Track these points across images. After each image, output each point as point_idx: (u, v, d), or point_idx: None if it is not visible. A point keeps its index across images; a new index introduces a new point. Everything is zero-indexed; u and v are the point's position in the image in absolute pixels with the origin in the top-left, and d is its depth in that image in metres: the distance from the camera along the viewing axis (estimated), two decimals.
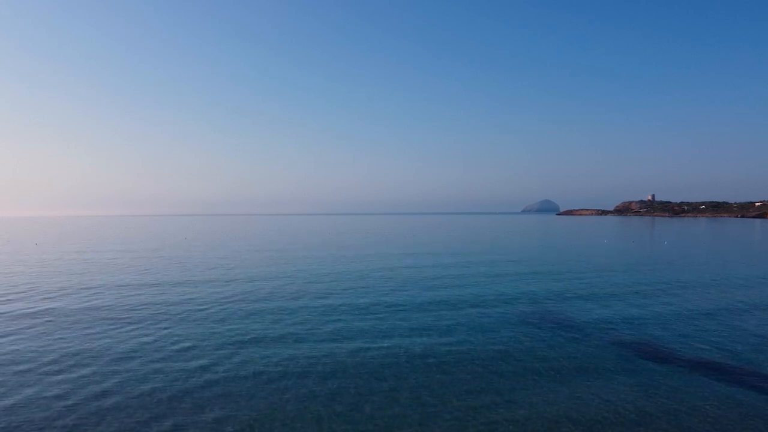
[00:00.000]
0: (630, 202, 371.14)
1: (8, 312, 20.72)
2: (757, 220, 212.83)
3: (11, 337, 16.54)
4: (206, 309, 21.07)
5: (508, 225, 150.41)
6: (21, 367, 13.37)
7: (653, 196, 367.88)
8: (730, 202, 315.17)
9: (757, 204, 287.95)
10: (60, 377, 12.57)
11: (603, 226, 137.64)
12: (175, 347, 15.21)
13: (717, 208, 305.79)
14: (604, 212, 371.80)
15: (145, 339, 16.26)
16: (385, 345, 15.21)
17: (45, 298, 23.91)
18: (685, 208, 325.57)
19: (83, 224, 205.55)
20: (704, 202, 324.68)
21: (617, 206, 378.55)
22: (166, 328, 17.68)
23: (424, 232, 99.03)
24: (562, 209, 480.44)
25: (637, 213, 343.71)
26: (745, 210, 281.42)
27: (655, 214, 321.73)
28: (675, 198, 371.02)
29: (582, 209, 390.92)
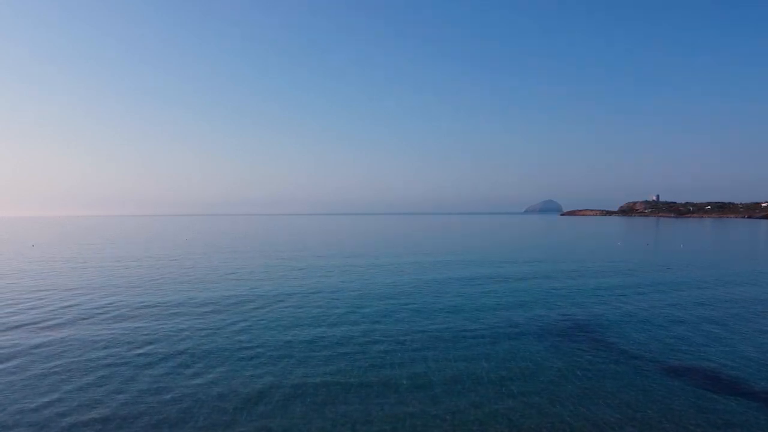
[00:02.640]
0: (634, 203, 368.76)
1: None
2: (764, 221, 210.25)
3: None
4: (230, 337, 17.27)
5: (514, 227, 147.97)
6: None
7: (658, 196, 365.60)
8: (735, 202, 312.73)
9: (763, 204, 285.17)
10: None
11: (610, 228, 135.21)
12: (205, 407, 11.37)
13: (723, 209, 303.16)
14: (608, 213, 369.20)
15: (158, 393, 12.95)
16: (476, 406, 12.37)
17: (27, 324, 20.40)
18: (690, 208, 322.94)
19: (83, 225, 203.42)
20: (709, 203, 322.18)
21: (621, 206, 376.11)
22: (188, 372, 13.84)
23: (435, 235, 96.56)
24: (565, 209, 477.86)
25: (641, 213, 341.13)
26: (751, 211, 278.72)
27: (660, 214, 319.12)
28: (679, 198, 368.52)
29: (586, 209, 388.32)
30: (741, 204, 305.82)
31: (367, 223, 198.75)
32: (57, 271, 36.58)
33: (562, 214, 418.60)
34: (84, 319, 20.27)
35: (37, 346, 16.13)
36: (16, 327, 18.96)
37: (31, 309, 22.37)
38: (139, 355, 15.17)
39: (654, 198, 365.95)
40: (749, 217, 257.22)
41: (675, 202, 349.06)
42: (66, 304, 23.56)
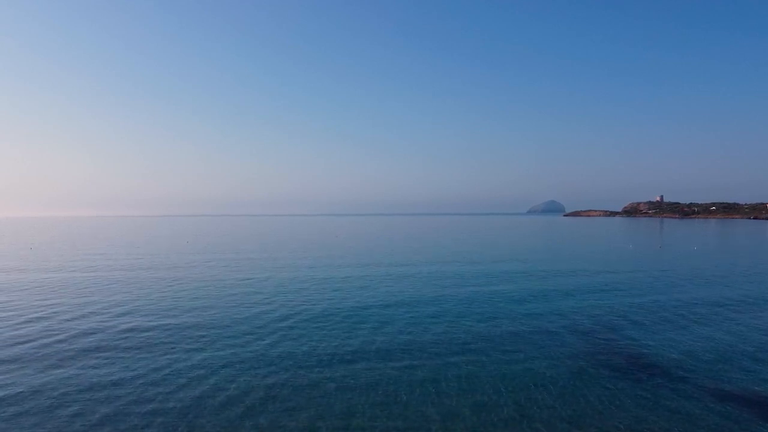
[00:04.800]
0: (638, 203, 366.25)
1: None
2: None
3: None
4: (261, 376, 14.34)
5: (520, 229, 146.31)
6: None
7: (662, 197, 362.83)
8: (740, 203, 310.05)
9: None
10: None
11: (617, 229, 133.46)
12: None
13: (728, 210, 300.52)
14: (612, 213, 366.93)
15: None
16: None
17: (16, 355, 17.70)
18: (695, 209, 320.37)
19: (84, 225, 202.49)
20: (714, 203, 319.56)
21: (625, 207, 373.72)
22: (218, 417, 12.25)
23: (444, 238, 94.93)
24: (567, 210, 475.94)
25: (645, 214, 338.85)
26: (757, 211, 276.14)
27: (664, 215, 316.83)
28: (683, 199, 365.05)
29: (590, 210, 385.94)
30: (746, 205, 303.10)
31: (373, 224, 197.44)
32: (51, 281, 35.07)
33: (565, 215, 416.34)
34: (86, 347, 17.17)
35: (32, 391, 14.07)
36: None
37: (21, 335, 19.86)
38: (159, 397, 12.73)
39: (658, 198, 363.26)
40: (755, 218, 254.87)
41: (679, 203, 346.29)
42: (59, 327, 20.54)
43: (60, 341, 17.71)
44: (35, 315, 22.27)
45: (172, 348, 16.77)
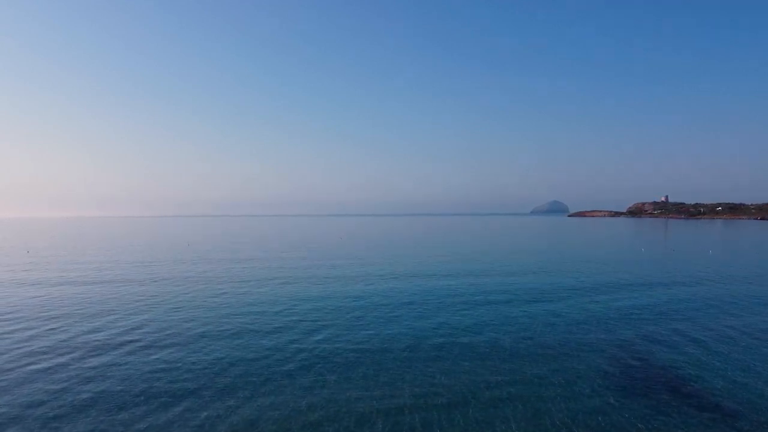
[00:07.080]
0: (643, 204, 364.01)
1: None
2: None
3: None
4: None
5: (526, 229, 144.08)
6: None
7: (667, 197, 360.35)
8: (747, 203, 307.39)
9: None
10: None
11: (624, 230, 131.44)
12: None
13: (734, 210, 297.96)
14: (616, 214, 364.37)
15: None
16: None
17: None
18: (701, 210, 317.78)
19: (85, 226, 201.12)
20: (720, 204, 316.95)
21: (630, 207, 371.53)
22: None
23: (451, 239, 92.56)
24: (571, 210, 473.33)
25: (650, 215, 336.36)
26: (763, 212, 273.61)
27: (670, 215, 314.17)
28: (689, 199, 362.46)
29: (594, 210, 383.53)
30: (753, 205, 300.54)
31: (375, 225, 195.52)
32: (49, 295, 32.38)
33: (569, 215, 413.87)
34: (95, 393, 14.45)
35: None
36: None
37: (13, 374, 17.06)
38: None
39: (663, 199, 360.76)
40: (762, 219, 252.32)
41: (684, 203, 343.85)
42: (59, 364, 18.37)
43: (61, 383, 15.03)
44: (27, 347, 19.46)
45: (199, 391, 14.16)
